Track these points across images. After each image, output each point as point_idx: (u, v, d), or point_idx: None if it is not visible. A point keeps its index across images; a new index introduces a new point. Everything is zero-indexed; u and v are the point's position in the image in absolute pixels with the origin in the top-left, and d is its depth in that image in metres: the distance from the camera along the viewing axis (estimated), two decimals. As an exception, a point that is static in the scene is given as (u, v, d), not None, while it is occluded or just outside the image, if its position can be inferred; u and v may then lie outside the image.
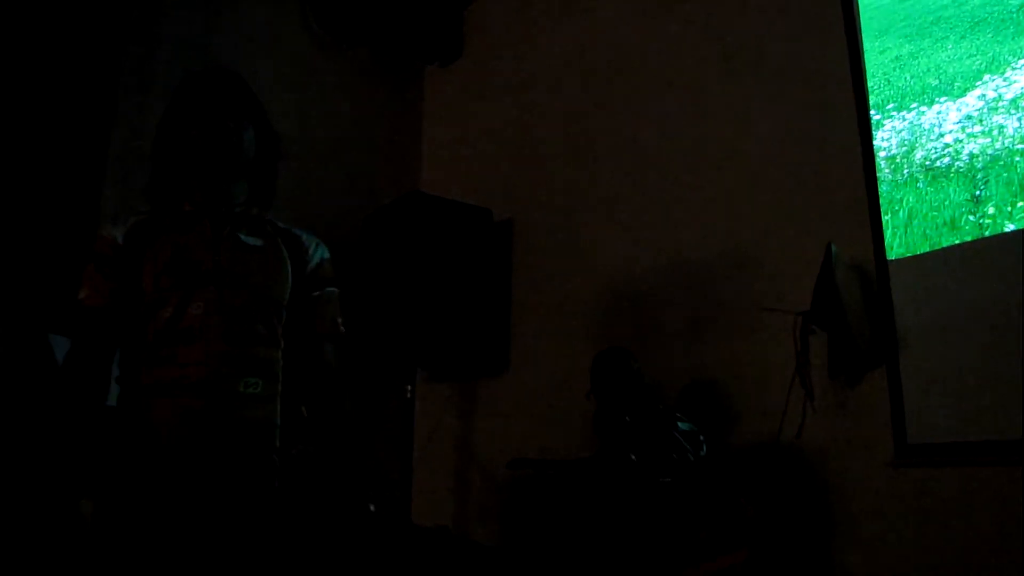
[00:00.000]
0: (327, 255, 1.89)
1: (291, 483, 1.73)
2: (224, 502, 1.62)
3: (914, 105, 3.09)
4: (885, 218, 3.02)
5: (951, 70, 3.02)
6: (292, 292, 1.78)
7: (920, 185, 2.99)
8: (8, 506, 2.66)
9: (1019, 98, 2.79)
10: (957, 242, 2.84)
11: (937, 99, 3.03)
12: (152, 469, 1.62)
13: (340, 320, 1.88)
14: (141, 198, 1.83)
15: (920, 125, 3.06)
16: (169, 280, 1.66)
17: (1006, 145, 2.78)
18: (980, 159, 2.84)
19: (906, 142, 3.08)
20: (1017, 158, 2.74)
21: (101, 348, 1.70)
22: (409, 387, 4.10)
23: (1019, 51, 2.82)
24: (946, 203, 2.90)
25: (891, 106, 3.15)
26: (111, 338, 1.71)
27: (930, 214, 2.93)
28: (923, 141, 3.03)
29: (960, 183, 2.88)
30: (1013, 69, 2.82)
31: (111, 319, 1.70)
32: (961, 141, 2.91)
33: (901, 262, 2.96)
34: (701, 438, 2.94)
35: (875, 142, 3.11)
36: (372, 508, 1.85)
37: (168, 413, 1.63)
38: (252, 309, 1.70)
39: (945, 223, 2.88)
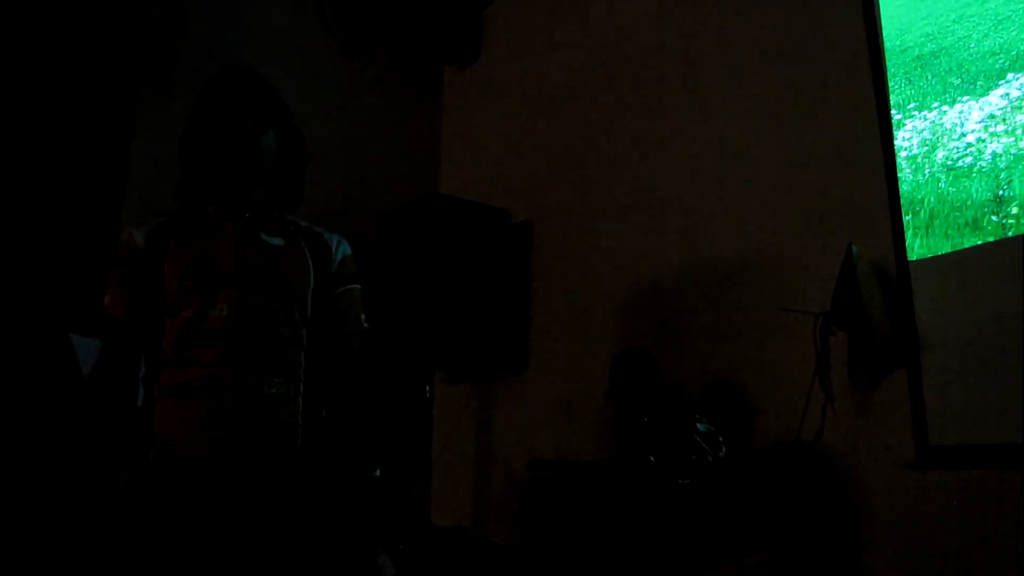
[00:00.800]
0: (349, 251, 1.89)
1: (314, 483, 1.72)
2: (246, 504, 1.62)
3: (936, 104, 3.07)
4: (906, 218, 2.99)
5: (973, 69, 2.99)
6: (315, 290, 1.78)
7: (942, 185, 2.97)
8: (29, 498, 2.70)
9: (1043, 97, 2.76)
10: (979, 243, 2.81)
11: (959, 98, 3.00)
12: (173, 473, 1.62)
13: (363, 316, 1.88)
14: (163, 201, 1.86)
15: (942, 124, 3.03)
16: (191, 282, 1.67)
17: (1030, 144, 2.75)
18: (1003, 158, 2.81)
19: (927, 142, 3.06)
20: (1041, 157, 2.71)
21: (123, 355, 1.72)
22: (428, 388, 4.12)
23: (1043, 49, 2.79)
24: (968, 203, 2.87)
25: (912, 105, 3.13)
26: (133, 345, 1.73)
27: (952, 214, 2.91)
28: (945, 141, 3.01)
29: (983, 183, 2.85)
30: (1037, 67, 2.79)
31: (131, 327, 1.72)
32: (984, 140, 2.88)
33: (923, 263, 2.94)
34: (720, 439, 2.93)
35: (896, 142, 3.09)
36: (416, 491, 1.87)
37: (189, 415, 1.62)
38: (274, 309, 1.70)
39: (967, 223, 2.86)
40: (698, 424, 2.94)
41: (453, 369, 4.52)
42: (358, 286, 1.89)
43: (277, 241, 1.78)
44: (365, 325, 1.89)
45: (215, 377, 1.63)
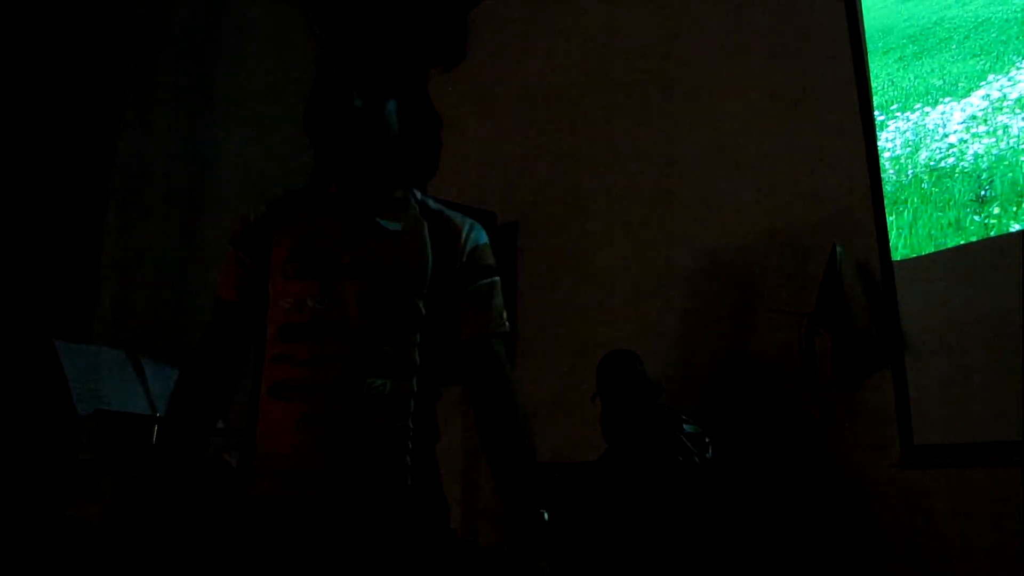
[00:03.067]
0: (484, 240, 1.65)
1: (423, 498, 1.51)
2: (346, 516, 1.43)
3: (918, 105, 3.09)
4: (890, 219, 3.01)
5: (955, 70, 3.01)
6: (433, 282, 1.55)
7: (925, 186, 2.99)
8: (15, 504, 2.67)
9: (1023, 98, 2.78)
10: (962, 242, 2.83)
11: (941, 99, 3.03)
12: (264, 484, 1.46)
13: (504, 314, 1.65)
14: (148, 204, 1.79)
15: (924, 126, 3.05)
16: (295, 267, 1.51)
17: (1011, 145, 2.77)
18: (985, 159, 2.83)
19: (910, 143, 3.08)
20: (1022, 158, 2.73)
21: (230, 343, 1.58)
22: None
23: (1023, 51, 2.81)
24: (951, 203, 2.90)
25: (895, 107, 3.15)
26: (245, 331, 1.57)
27: (935, 215, 2.93)
28: (927, 142, 3.03)
29: (965, 183, 2.87)
30: (1017, 69, 2.81)
31: (245, 311, 1.57)
32: (966, 141, 2.91)
33: (906, 263, 2.96)
34: (707, 440, 2.94)
35: (879, 143, 3.11)
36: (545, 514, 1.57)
37: (282, 417, 1.45)
38: (382, 301, 1.50)
39: (950, 223, 2.88)
40: (685, 425, 2.95)
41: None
42: (497, 279, 1.64)
43: (395, 226, 1.56)
44: (506, 325, 1.65)
45: (310, 376, 1.45)
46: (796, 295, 3.08)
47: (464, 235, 1.62)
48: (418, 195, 1.65)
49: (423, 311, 1.53)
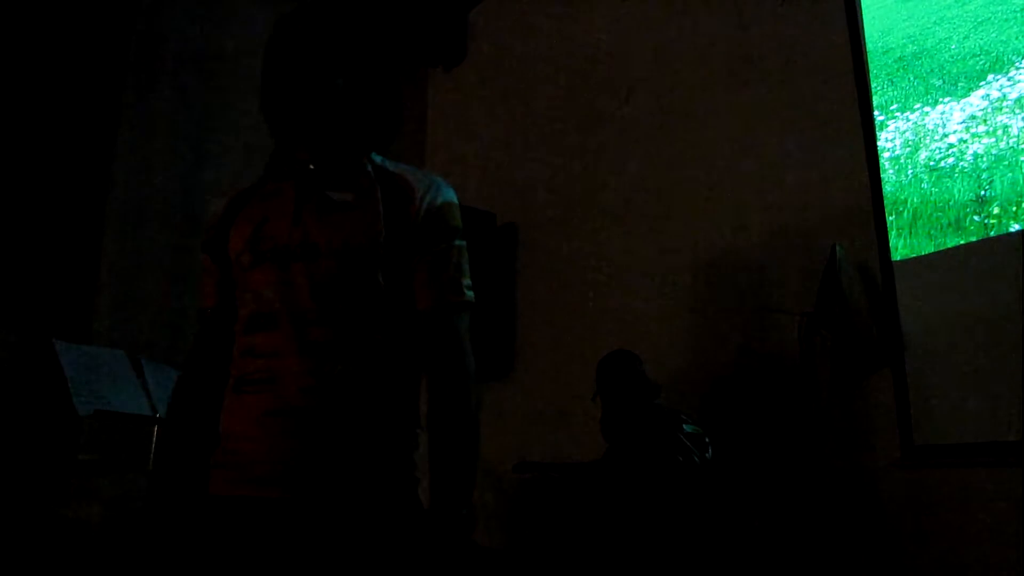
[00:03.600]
0: (445, 198, 1.46)
1: (396, 489, 1.40)
2: (310, 511, 1.34)
3: (918, 106, 3.09)
4: (890, 219, 3.01)
5: (955, 70, 3.01)
6: (389, 251, 1.41)
7: (924, 186, 2.99)
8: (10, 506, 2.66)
9: (1023, 98, 2.78)
10: (962, 242, 2.83)
11: (941, 99, 3.03)
12: (224, 482, 1.39)
13: (467, 282, 1.46)
14: (148, 200, 1.74)
15: (924, 125, 3.05)
16: (248, 258, 1.43)
17: (1010, 145, 2.77)
18: (985, 159, 2.83)
19: (910, 143, 3.08)
20: (1022, 158, 2.73)
21: (213, 350, 1.50)
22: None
23: (1023, 51, 2.81)
24: (951, 203, 2.89)
25: (895, 107, 3.15)
26: (226, 336, 1.49)
27: (935, 215, 2.93)
28: (927, 141, 3.03)
29: (965, 183, 2.87)
30: (1017, 69, 2.81)
31: (224, 317, 1.50)
32: (965, 141, 2.91)
33: (906, 263, 2.96)
34: (707, 440, 2.94)
35: (879, 143, 3.11)
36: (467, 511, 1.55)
37: (246, 412, 1.38)
38: (337, 285, 1.38)
39: (950, 223, 2.88)
40: (684, 425, 2.95)
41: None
42: (462, 243, 1.47)
43: (345, 196, 1.43)
44: (469, 294, 1.46)
45: (270, 367, 1.37)
46: (796, 295, 3.08)
47: (420, 193, 1.44)
48: (377, 160, 1.51)
49: (382, 285, 1.40)
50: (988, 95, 2.88)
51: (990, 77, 2.89)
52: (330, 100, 1.45)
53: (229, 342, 1.48)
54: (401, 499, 1.39)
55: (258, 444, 1.36)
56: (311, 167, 1.45)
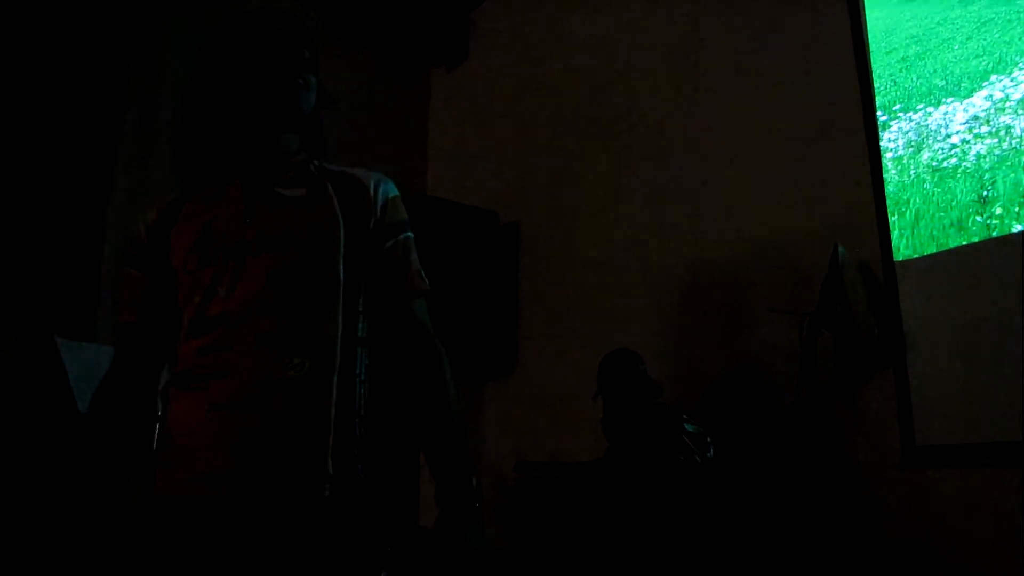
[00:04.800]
0: (394, 192, 1.52)
1: (346, 490, 1.37)
2: (259, 511, 1.31)
3: (920, 106, 3.09)
4: (892, 219, 3.01)
5: (958, 70, 3.01)
6: (348, 246, 1.43)
7: (927, 186, 2.98)
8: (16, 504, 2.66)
9: (1026, 98, 2.78)
10: (964, 243, 2.83)
11: (944, 100, 3.02)
12: (170, 482, 1.36)
13: (423, 272, 1.52)
14: (152, 195, 1.70)
15: (927, 126, 3.05)
16: (195, 260, 1.40)
17: (1013, 145, 2.77)
18: (987, 160, 2.83)
19: (913, 143, 3.07)
20: (1024, 158, 2.73)
21: (135, 365, 1.48)
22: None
23: (1026, 51, 2.81)
24: (953, 204, 2.89)
25: (898, 107, 3.14)
26: (147, 352, 1.49)
27: (937, 215, 2.92)
28: (930, 142, 3.02)
29: (967, 184, 2.87)
30: (1020, 69, 2.81)
31: (146, 333, 1.48)
32: (968, 142, 2.90)
33: (908, 263, 2.95)
34: (708, 440, 2.94)
35: (881, 143, 3.11)
36: (475, 481, 1.48)
37: (192, 407, 1.35)
38: (296, 276, 1.38)
39: (952, 224, 2.87)
40: (686, 425, 2.95)
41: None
42: (410, 235, 1.52)
43: (297, 192, 1.44)
44: (426, 283, 1.52)
45: (220, 361, 1.34)
46: (798, 295, 3.08)
47: (372, 189, 1.49)
48: (316, 163, 1.54)
49: (342, 279, 1.42)
50: (991, 95, 2.87)
51: (993, 77, 2.88)
52: (291, 99, 1.45)
53: (154, 355, 1.48)
54: (350, 494, 1.37)
55: (206, 439, 1.33)
56: (264, 165, 1.46)
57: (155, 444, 1.43)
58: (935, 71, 3.08)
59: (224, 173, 1.48)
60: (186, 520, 1.31)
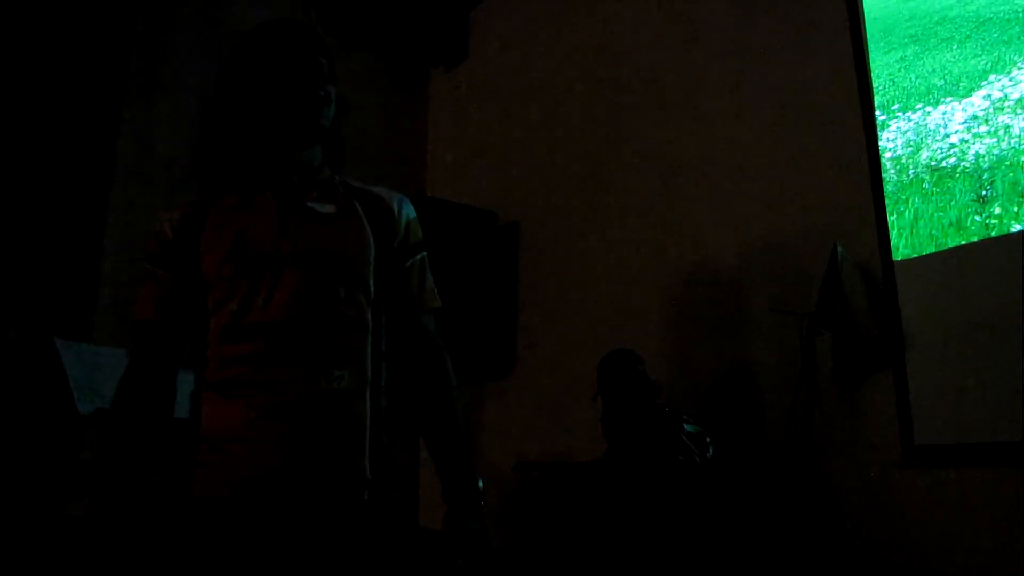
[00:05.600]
0: (414, 214, 1.60)
1: (382, 495, 1.45)
2: (307, 516, 1.36)
3: (919, 106, 3.09)
4: (891, 219, 3.01)
5: (956, 70, 3.01)
6: (378, 263, 1.50)
7: (926, 186, 2.99)
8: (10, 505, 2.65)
9: (1025, 98, 2.78)
10: (963, 243, 2.83)
11: (942, 99, 3.02)
12: (211, 484, 1.38)
13: (435, 289, 1.61)
14: (150, 199, 1.71)
15: (926, 126, 3.05)
16: (231, 268, 1.41)
17: (1012, 145, 2.77)
18: (986, 159, 2.83)
19: (911, 143, 3.08)
20: (1023, 158, 2.73)
21: (155, 364, 1.49)
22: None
23: (1025, 51, 2.81)
24: (952, 204, 2.89)
25: (896, 107, 3.15)
26: (167, 351, 1.49)
27: (936, 215, 2.93)
28: (928, 142, 3.03)
29: (966, 183, 2.87)
30: (1019, 69, 2.81)
31: (166, 332, 1.49)
32: (967, 141, 2.90)
33: (907, 263, 2.95)
34: (708, 440, 2.94)
35: (880, 143, 3.11)
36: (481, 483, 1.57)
37: (234, 414, 1.37)
38: (332, 289, 1.43)
39: (951, 224, 2.88)
40: (685, 425, 2.95)
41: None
42: (425, 254, 1.60)
43: (327, 208, 1.49)
44: (439, 300, 1.61)
45: (263, 372, 1.37)
46: (797, 295, 3.08)
47: (396, 209, 1.56)
48: (338, 178, 1.58)
49: (372, 294, 1.48)
50: (990, 95, 2.88)
51: (992, 77, 2.89)
52: (313, 113, 1.47)
53: (173, 354, 1.50)
54: (386, 498, 1.46)
55: (250, 446, 1.36)
56: (294, 179, 1.50)
57: (189, 446, 1.43)
58: (934, 71, 3.08)
59: (247, 183, 1.51)
60: (232, 522, 1.35)
